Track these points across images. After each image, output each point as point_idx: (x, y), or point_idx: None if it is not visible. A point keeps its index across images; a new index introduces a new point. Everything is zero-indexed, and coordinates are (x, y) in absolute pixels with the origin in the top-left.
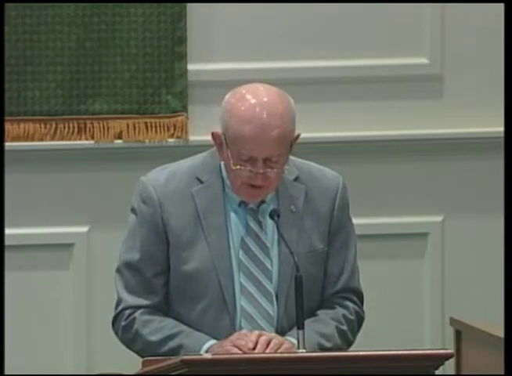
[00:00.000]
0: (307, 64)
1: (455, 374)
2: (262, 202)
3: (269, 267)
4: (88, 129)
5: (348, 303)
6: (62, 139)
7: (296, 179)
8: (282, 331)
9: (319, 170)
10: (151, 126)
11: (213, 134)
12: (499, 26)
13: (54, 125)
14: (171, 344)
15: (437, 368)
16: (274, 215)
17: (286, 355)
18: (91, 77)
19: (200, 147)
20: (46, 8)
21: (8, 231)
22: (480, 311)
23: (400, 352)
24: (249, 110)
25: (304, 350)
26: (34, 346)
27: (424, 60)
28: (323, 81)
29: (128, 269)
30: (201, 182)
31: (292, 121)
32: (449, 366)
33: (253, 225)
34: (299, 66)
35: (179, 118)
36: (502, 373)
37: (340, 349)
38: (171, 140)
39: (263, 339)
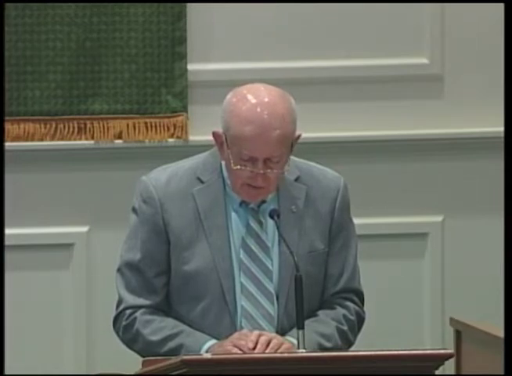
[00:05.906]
0: (307, 64)
1: (455, 374)
2: (263, 202)
3: (270, 267)
4: (88, 129)
5: (349, 303)
6: (62, 139)
7: (297, 180)
8: (282, 331)
9: (319, 170)
10: (151, 126)
11: (214, 133)
12: (499, 26)
13: (54, 125)
14: (172, 344)
15: (437, 368)
16: (273, 214)
17: (286, 355)
18: (91, 77)
19: (200, 147)
20: (46, 8)
21: (8, 231)
22: (480, 311)
23: (400, 352)
24: (250, 110)
25: (304, 350)
26: (34, 346)
27: (424, 60)
28: (323, 81)
29: (129, 269)
30: (202, 182)
31: (293, 122)
32: (449, 366)
33: (254, 225)
34: (299, 66)
35: (179, 118)
36: (502, 373)
37: (340, 349)
38: (171, 140)
39: (263, 339)
